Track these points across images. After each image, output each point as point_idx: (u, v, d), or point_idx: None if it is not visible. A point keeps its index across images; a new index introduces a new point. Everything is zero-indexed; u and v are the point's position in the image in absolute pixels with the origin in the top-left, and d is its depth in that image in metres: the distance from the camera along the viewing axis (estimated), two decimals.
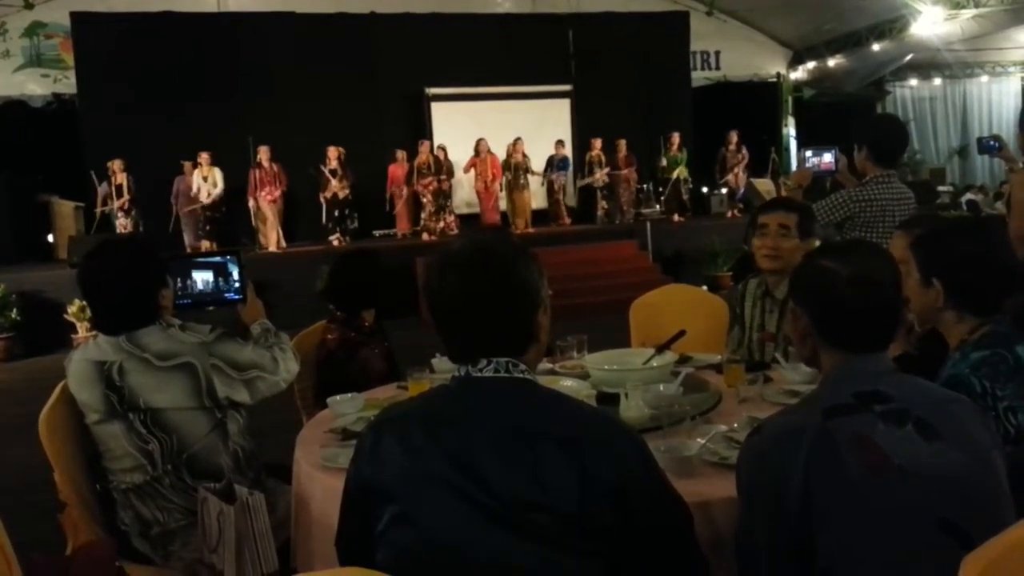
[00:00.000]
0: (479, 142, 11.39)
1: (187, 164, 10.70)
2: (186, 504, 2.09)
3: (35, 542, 1.92)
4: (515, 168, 11.57)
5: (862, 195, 3.37)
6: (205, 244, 10.45)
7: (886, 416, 1.33)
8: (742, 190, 12.67)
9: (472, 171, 11.54)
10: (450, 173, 11.37)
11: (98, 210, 10.63)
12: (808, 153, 3.67)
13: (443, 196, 11.33)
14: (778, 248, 2.66)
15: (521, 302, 1.30)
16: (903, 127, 3.60)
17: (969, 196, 14.21)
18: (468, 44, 12.23)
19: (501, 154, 11.67)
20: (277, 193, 10.61)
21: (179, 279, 2.37)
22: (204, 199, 10.55)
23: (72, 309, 8.40)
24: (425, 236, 11.03)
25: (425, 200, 11.12)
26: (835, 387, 1.40)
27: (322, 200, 10.81)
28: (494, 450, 1.22)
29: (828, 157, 3.62)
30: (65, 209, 11.17)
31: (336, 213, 10.81)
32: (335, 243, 10.61)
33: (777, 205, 2.83)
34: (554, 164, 12.08)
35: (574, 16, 12.97)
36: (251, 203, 10.64)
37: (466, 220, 11.62)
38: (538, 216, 11.99)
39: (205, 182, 10.57)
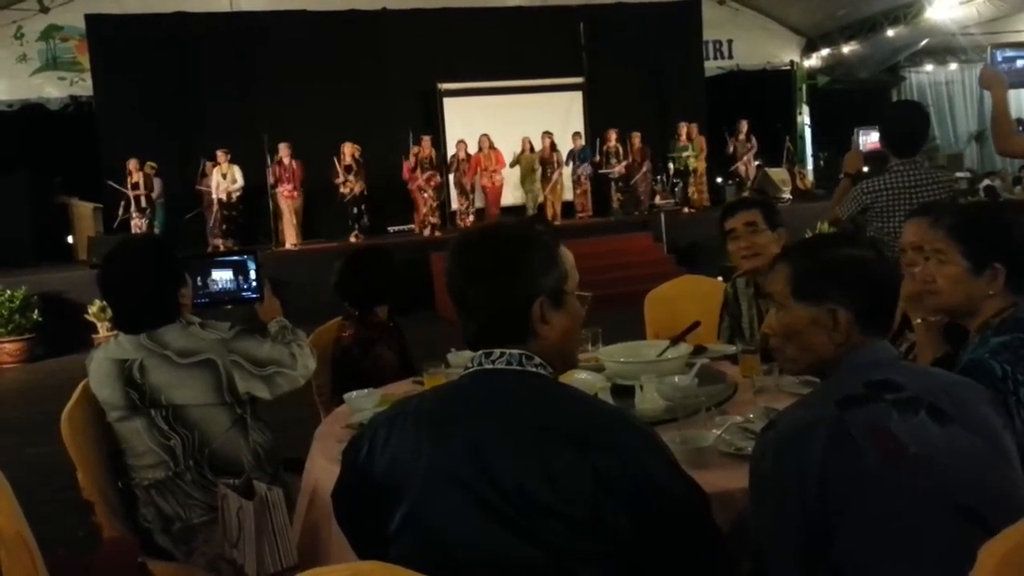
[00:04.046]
0: (481, 137, 11.42)
1: (208, 164, 10.82)
2: (207, 500, 2.12)
3: (59, 539, 1.96)
4: (545, 161, 11.61)
5: (873, 186, 3.38)
6: (223, 243, 10.55)
7: (899, 404, 1.32)
8: (751, 179, 12.64)
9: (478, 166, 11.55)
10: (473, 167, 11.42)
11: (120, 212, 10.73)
12: (859, 131, 3.63)
13: (465, 191, 11.36)
14: (753, 245, 2.66)
15: (515, 287, 1.28)
16: (919, 114, 3.50)
17: (987, 182, 14.04)
18: (479, 38, 12.22)
19: (514, 148, 11.69)
20: (295, 190, 10.68)
21: (199, 278, 2.40)
22: (223, 197, 10.66)
23: (92, 309, 8.48)
24: (427, 232, 10.97)
25: (426, 195, 11.08)
26: (845, 378, 1.38)
27: (339, 196, 10.84)
28: (506, 448, 1.20)
29: (875, 136, 3.59)
30: (84, 210, 11.28)
31: (354, 210, 10.84)
32: (353, 239, 10.64)
33: (737, 206, 2.81)
34: (575, 156, 12.07)
35: (585, 8, 12.92)
36: (271, 200, 10.72)
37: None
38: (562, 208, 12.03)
39: (224, 179, 10.68)
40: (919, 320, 1.91)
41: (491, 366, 1.28)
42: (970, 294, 1.69)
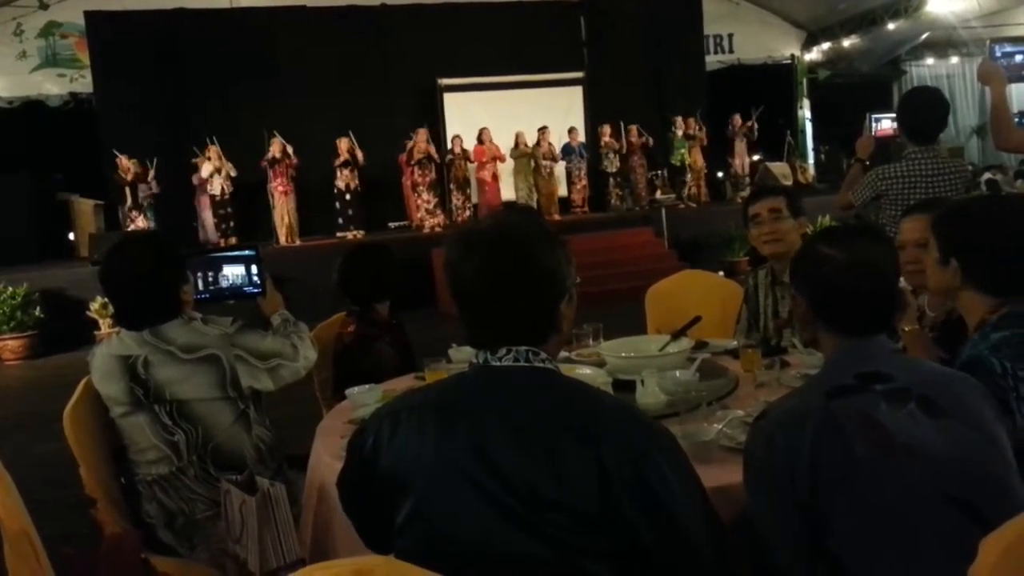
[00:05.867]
0: (482, 131, 11.41)
1: (200, 159, 10.80)
2: (210, 495, 2.12)
3: (63, 536, 1.97)
4: (542, 156, 11.59)
5: (888, 172, 3.33)
6: (221, 240, 10.54)
7: (888, 395, 1.34)
8: (747, 174, 12.64)
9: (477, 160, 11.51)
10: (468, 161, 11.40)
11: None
12: (871, 117, 3.59)
13: (462, 185, 11.35)
14: (776, 231, 2.69)
15: (544, 289, 1.26)
16: (937, 100, 3.43)
17: (988, 175, 14.01)
18: (480, 34, 12.20)
19: (512, 143, 11.67)
20: (293, 185, 10.68)
21: (209, 274, 2.41)
22: (217, 192, 10.65)
23: (94, 306, 8.49)
24: (427, 228, 10.94)
25: (421, 191, 11.06)
26: (836, 369, 1.41)
27: (337, 192, 10.82)
28: (511, 442, 1.19)
29: (887, 123, 3.55)
30: (85, 207, 11.27)
31: (349, 209, 10.80)
32: (352, 235, 10.62)
33: (762, 193, 2.86)
34: (572, 151, 12.05)
35: (585, 2, 12.91)
36: (268, 196, 10.71)
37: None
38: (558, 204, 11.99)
39: (219, 175, 10.66)
40: (905, 328, 1.92)
41: (497, 363, 1.27)
42: (943, 283, 1.76)
